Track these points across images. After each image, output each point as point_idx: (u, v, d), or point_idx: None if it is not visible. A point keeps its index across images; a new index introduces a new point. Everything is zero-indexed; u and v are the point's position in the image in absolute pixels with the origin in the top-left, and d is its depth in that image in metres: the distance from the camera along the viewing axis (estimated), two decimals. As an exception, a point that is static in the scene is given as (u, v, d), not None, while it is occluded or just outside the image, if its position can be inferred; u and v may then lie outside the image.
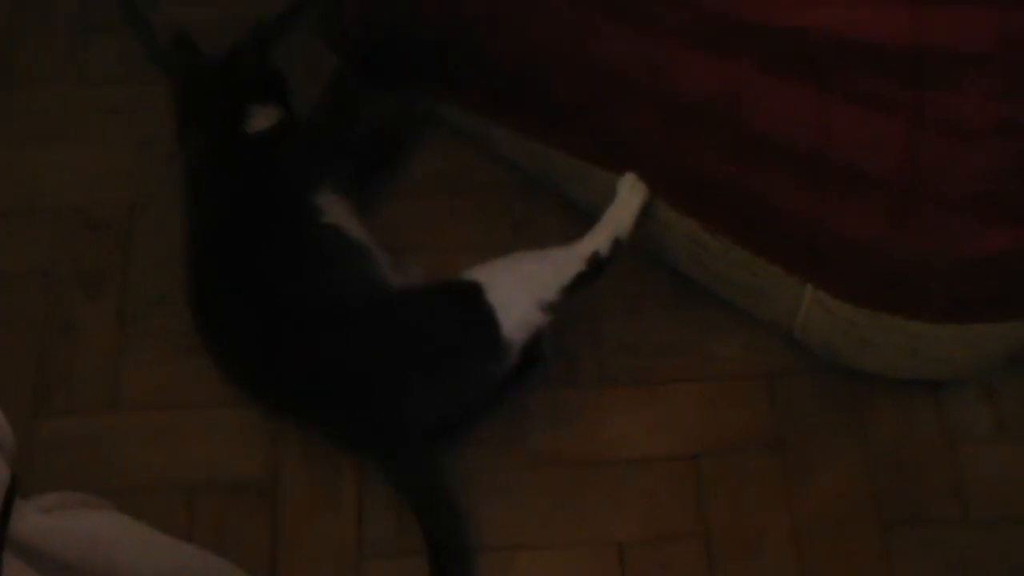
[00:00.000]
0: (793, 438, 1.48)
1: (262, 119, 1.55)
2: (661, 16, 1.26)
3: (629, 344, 1.55)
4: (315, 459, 1.48)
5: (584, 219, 1.48)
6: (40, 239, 1.64)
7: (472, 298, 1.40)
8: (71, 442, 1.49)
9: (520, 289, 1.41)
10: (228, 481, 1.47)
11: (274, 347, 1.42)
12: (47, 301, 1.60)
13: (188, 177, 1.56)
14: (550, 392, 1.51)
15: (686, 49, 1.29)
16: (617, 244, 1.44)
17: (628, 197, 1.46)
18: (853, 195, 1.29)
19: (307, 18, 1.73)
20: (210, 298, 1.48)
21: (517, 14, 1.42)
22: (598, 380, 1.53)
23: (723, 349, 1.55)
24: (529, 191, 1.64)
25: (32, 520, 1.04)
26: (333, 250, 1.46)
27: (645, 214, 1.46)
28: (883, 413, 1.49)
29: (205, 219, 1.51)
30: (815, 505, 1.44)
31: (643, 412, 1.51)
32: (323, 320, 1.41)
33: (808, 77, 1.21)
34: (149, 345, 1.56)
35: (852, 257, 1.35)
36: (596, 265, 1.43)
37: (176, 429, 1.51)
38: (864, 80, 1.19)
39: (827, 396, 1.51)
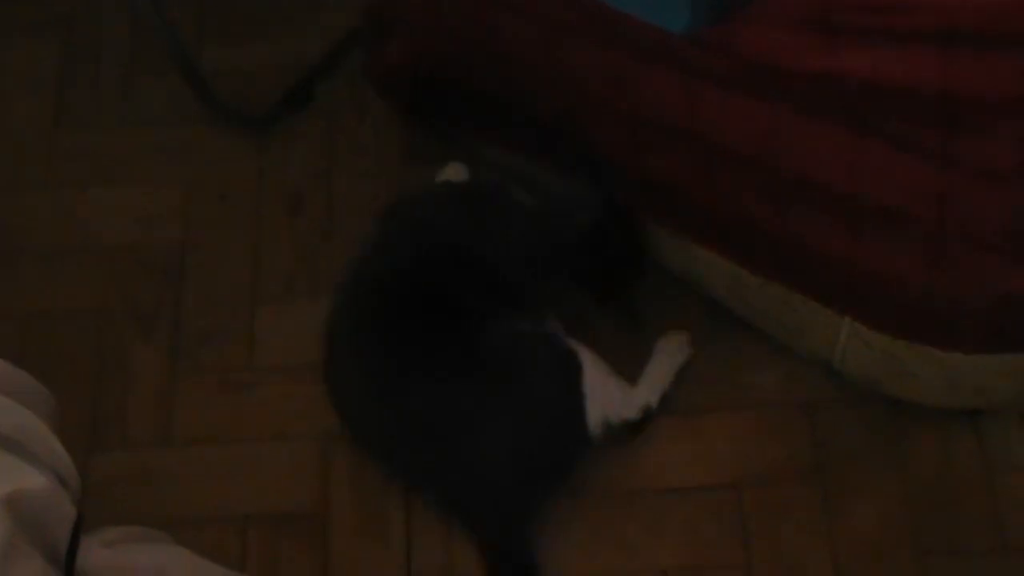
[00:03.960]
0: (833, 468, 1.49)
1: None
2: (698, 62, 1.28)
3: (668, 375, 1.56)
4: (364, 490, 1.49)
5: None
6: (93, 278, 1.66)
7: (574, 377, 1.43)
8: (125, 476, 1.51)
9: (606, 392, 1.45)
10: (279, 513, 1.49)
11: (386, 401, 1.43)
12: (100, 339, 1.62)
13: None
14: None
15: (723, 93, 1.30)
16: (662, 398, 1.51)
17: (677, 354, 1.54)
18: (887, 234, 1.30)
19: (352, 59, 1.75)
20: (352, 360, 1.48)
21: (553, 60, 1.43)
22: (638, 411, 1.54)
23: (761, 379, 1.55)
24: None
25: (97, 555, 1.07)
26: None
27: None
28: (922, 443, 1.49)
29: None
30: (855, 535, 1.44)
31: (682, 442, 1.52)
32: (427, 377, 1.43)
33: (842, 120, 1.22)
34: (199, 381, 1.58)
35: (888, 292, 1.35)
36: (645, 417, 1.49)
37: (227, 463, 1.52)
38: (897, 124, 1.20)
39: (866, 426, 1.51)
